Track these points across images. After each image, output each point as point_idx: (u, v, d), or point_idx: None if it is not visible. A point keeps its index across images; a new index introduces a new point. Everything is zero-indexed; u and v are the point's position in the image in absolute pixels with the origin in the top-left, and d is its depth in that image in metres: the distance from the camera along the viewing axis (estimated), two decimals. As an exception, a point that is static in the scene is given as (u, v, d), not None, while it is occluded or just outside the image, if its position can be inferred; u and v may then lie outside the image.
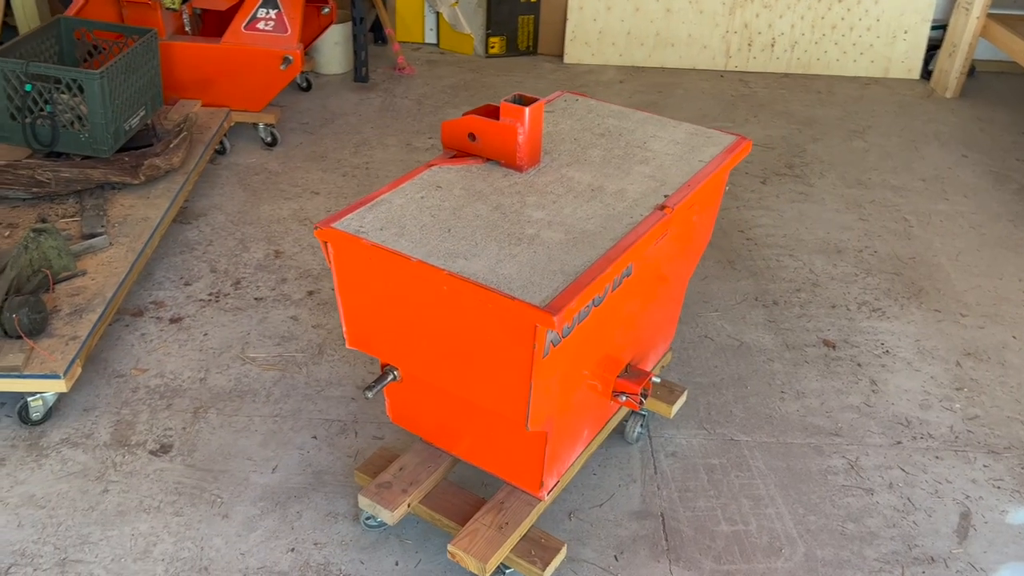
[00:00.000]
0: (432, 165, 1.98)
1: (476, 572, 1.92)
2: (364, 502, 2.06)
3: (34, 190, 3.14)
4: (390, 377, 1.94)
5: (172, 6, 3.79)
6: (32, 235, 2.63)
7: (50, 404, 2.46)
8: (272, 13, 3.90)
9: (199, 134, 3.74)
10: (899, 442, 2.62)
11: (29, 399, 2.42)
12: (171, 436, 2.48)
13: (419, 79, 5.03)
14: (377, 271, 1.72)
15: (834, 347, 3.02)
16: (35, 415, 2.44)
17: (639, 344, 2.15)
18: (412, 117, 4.54)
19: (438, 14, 5.39)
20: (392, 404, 2.10)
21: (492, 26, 5.30)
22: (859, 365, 2.94)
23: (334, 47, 4.91)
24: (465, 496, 2.12)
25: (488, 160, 2.00)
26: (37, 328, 2.48)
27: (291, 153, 4.11)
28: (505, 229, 1.75)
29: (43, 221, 3.06)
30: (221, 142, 3.99)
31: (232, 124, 4.03)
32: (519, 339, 1.57)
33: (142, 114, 3.50)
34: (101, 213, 3.12)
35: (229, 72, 3.93)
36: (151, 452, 2.42)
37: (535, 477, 1.92)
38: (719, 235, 3.63)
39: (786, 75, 5.39)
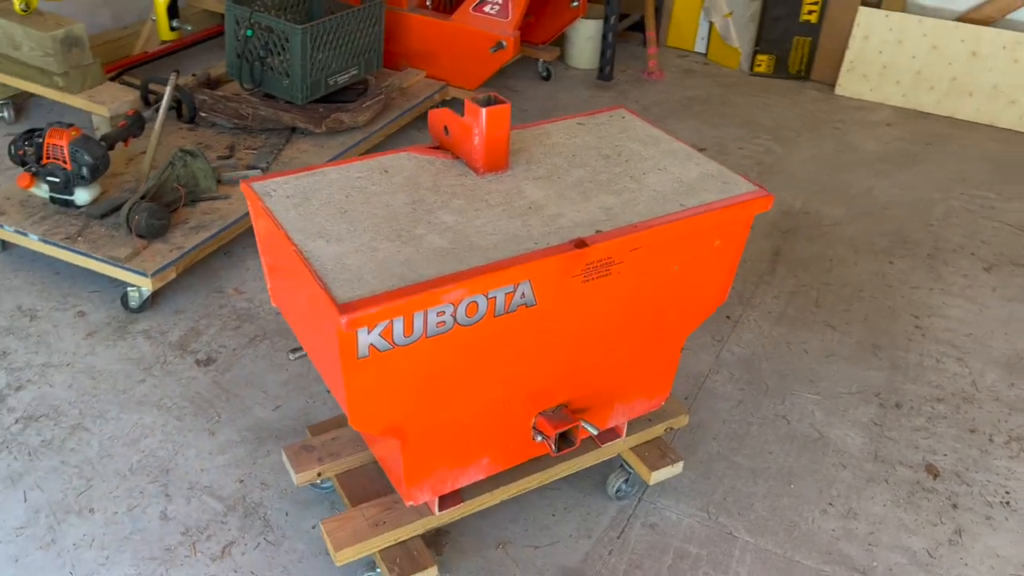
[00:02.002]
0: (405, 151, 1.96)
1: (332, 555, 1.91)
2: (284, 457, 2.14)
3: (235, 121, 3.62)
4: (316, 345, 1.98)
5: (411, -20, 4.08)
6: (180, 154, 3.05)
7: (145, 297, 2.86)
8: (500, -2, 4.03)
9: (405, 101, 4.01)
10: (939, 611, 2.08)
11: (129, 289, 2.84)
12: (220, 353, 2.75)
13: (664, 86, 4.87)
14: (269, 233, 1.77)
15: (936, 476, 2.45)
16: (132, 303, 2.86)
17: (581, 388, 1.95)
18: (630, 122, 4.42)
19: (711, 23, 5.15)
20: (331, 374, 2.15)
21: (762, 43, 4.94)
22: (954, 507, 2.36)
23: (586, 42, 4.92)
24: (380, 484, 2.10)
25: (458, 157, 1.93)
26: (154, 232, 2.89)
27: (492, 134, 4.23)
28: (398, 225, 1.70)
29: (229, 149, 3.52)
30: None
31: (447, 98, 4.25)
32: (333, 332, 1.53)
33: (353, 72, 3.83)
34: (275, 151, 3.50)
35: (450, 49, 4.16)
36: (197, 361, 2.72)
37: (400, 483, 1.85)
38: (883, 314, 3.09)
39: (1114, 153, 4.35)
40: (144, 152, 3.43)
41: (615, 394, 2.05)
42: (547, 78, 4.84)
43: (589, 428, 1.96)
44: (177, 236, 2.95)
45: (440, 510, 1.99)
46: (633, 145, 2.05)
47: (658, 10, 5.21)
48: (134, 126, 3.30)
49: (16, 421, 2.45)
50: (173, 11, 3.86)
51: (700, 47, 5.30)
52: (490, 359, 1.73)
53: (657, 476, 2.22)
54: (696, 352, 2.87)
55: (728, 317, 3.05)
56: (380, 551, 1.95)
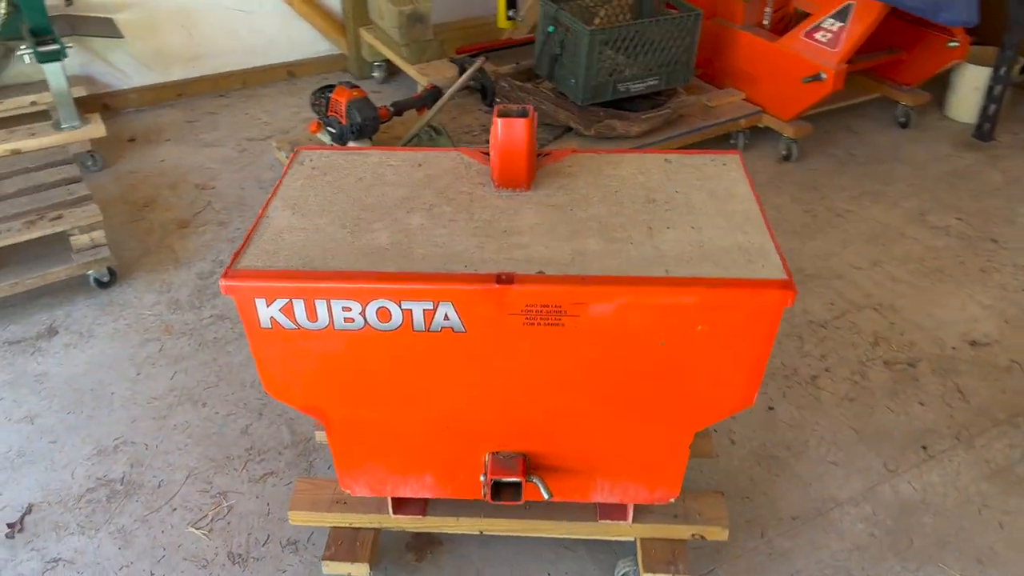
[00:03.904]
0: (458, 150, 1.92)
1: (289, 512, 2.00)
2: (321, 413, 2.26)
3: (519, 110, 3.77)
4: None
5: (746, -4, 3.81)
6: (427, 130, 3.29)
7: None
8: (836, 26, 3.58)
9: (699, 119, 3.80)
10: None
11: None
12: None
13: (1057, 161, 3.89)
14: (288, 200, 1.87)
15: None
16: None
17: (544, 444, 1.73)
18: (980, 192, 3.64)
19: None
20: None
21: None
22: None
23: (972, 92, 4.11)
24: (380, 470, 2.12)
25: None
26: (379, 192, 3.18)
27: (786, 172, 3.80)
28: (370, 215, 1.67)
29: (503, 134, 3.69)
30: (736, 136, 3.93)
31: (758, 125, 3.92)
32: (246, 297, 1.60)
33: (652, 83, 3.72)
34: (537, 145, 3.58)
35: (770, 73, 3.81)
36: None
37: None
38: None
39: None
40: (429, 123, 3.76)
41: (594, 467, 1.79)
42: (905, 125, 4.17)
43: (542, 490, 1.75)
44: (400, 200, 3.21)
45: (395, 513, 1.95)
46: (696, 196, 1.74)
47: (1092, 68, 4.14)
48: (427, 98, 3.63)
49: (210, 317, 2.93)
50: (512, 1, 4.12)
51: None
52: (416, 374, 1.65)
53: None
54: (850, 472, 2.34)
55: (924, 448, 2.41)
56: (332, 528, 1.99)
